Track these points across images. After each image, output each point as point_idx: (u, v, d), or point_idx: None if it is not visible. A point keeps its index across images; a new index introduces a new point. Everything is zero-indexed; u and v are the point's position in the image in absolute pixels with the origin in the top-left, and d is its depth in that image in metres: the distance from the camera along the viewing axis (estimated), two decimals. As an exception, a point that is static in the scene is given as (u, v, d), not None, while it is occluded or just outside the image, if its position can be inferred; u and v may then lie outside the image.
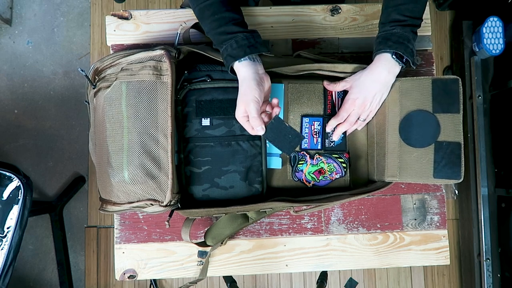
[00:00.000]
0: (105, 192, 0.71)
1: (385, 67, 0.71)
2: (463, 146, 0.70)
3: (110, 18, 0.86)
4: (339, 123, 0.78)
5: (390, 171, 0.73)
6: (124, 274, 0.82)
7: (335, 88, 0.78)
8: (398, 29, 0.70)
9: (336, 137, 0.80)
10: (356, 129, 0.80)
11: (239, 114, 0.68)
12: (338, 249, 0.84)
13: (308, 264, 0.84)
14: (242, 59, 0.67)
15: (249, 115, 0.67)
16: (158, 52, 0.68)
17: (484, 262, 1.42)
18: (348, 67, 0.76)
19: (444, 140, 0.70)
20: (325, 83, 0.80)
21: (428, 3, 0.89)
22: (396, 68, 0.71)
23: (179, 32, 0.76)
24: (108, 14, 0.90)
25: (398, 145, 0.72)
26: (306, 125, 0.81)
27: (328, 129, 0.79)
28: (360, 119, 0.77)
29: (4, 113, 1.62)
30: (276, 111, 0.69)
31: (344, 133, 0.81)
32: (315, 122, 0.81)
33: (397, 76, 0.73)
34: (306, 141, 0.81)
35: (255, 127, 0.67)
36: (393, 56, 0.70)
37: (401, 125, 0.73)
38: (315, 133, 0.81)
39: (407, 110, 0.73)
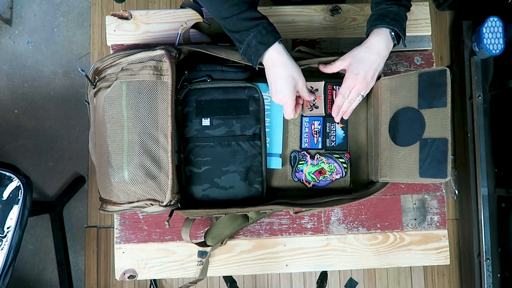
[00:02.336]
0: (105, 192, 0.71)
1: (382, 41, 0.71)
2: (450, 142, 0.66)
3: (110, 18, 0.86)
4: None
5: (382, 171, 0.73)
6: (124, 274, 0.82)
7: (332, 69, 0.76)
8: (394, 8, 0.71)
9: (337, 119, 0.78)
10: (358, 126, 0.79)
11: (287, 97, 0.70)
12: (338, 249, 0.84)
13: (308, 264, 0.84)
14: (273, 44, 0.67)
15: (302, 95, 0.72)
16: (159, 52, 0.68)
17: (484, 262, 1.42)
18: None
19: (429, 137, 0.68)
20: (321, 66, 0.77)
21: (428, 3, 0.90)
22: (391, 44, 0.72)
23: (179, 32, 0.76)
24: (108, 14, 0.90)
25: (388, 145, 0.72)
26: (306, 124, 0.81)
27: (334, 114, 0.78)
28: (360, 94, 0.75)
29: (4, 113, 1.62)
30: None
31: (346, 132, 0.81)
32: (315, 122, 0.81)
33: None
34: (306, 140, 0.81)
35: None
36: (392, 32, 0.71)
37: (390, 124, 0.72)
38: (315, 132, 0.81)
39: (395, 108, 0.72)
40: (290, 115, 0.73)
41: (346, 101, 0.76)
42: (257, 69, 0.70)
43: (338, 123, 0.81)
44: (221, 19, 0.69)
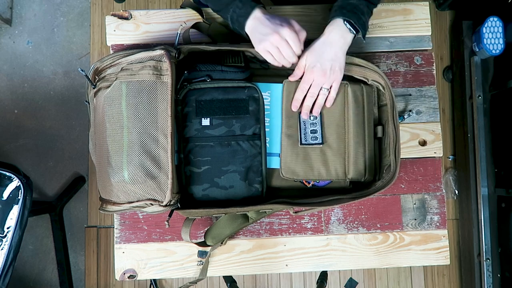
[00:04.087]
0: (105, 192, 0.71)
1: (336, 31, 0.72)
2: None
3: (110, 18, 0.86)
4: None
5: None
6: (124, 274, 0.82)
7: (298, 71, 0.76)
8: (354, 0, 0.72)
9: (305, 115, 0.77)
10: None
11: (271, 43, 0.70)
12: (338, 249, 0.84)
13: (308, 264, 0.84)
14: (251, 13, 0.69)
15: (283, 34, 0.69)
16: (158, 52, 0.68)
17: (484, 262, 1.42)
18: (352, 58, 0.77)
19: None
20: (290, 77, 0.77)
21: (428, 3, 0.90)
22: (347, 34, 0.72)
23: (179, 32, 0.76)
24: (108, 14, 0.90)
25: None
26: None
27: (294, 108, 0.78)
28: (323, 88, 0.75)
29: (4, 113, 1.62)
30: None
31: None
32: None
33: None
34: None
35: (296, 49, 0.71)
36: (345, 22, 0.71)
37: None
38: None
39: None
40: (283, 62, 0.72)
41: (308, 96, 0.76)
42: (248, 39, 0.73)
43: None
44: (207, 1, 0.75)
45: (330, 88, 0.76)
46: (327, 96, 0.77)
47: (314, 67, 0.73)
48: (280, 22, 0.70)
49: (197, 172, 0.74)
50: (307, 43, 0.87)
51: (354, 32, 0.72)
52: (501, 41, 1.41)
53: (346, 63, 0.77)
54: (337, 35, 0.72)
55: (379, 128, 0.81)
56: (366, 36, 0.88)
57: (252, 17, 0.71)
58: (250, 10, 0.70)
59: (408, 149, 0.86)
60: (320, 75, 0.73)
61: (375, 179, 0.81)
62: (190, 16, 0.87)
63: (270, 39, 0.69)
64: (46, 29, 1.66)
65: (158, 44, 0.85)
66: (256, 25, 0.71)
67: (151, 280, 1.56)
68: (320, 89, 0.75)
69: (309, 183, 0.81)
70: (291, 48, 0.71)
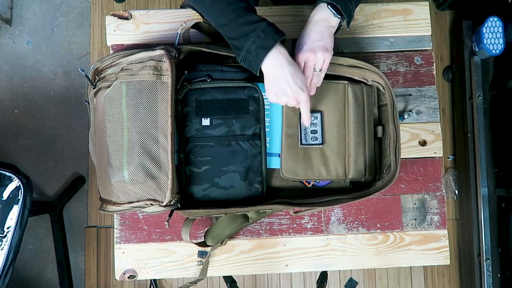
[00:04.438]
0: (105, 192, 0.71)
1: (319, 14, 0.71)
2: None
3: (110, 18, 0.86)
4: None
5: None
6: (124, 274, 0.82)
7: (298, 60, 0.73)
8: None
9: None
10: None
11: (285, 102, 0.70)
12: (338, 249, 0.84)
13: (308, 264, 0.84)
14: (274, 47, 0.65)
15: (301, 102, 0.69)
16: (158, 52, 0.68)
17: (484, 262, 1.42)
18: (350, 60, 0.77)
19: None
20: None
21: (428, 3, 0.90)
22: (331, 18, 0.71)
23: (179, 32, 0.76)
24: (108, 14, 0.90)
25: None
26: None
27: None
28: (315, 69, 0.73)
29: (4, 113, 1.62)
30: None
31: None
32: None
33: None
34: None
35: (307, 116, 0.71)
36: (329, 6, 0.70)
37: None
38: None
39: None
40: (308, 115, 0.71)
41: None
42: (258, 75, 0.69)
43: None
44: (219, 27, 0.68)
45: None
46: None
47: (302, 49, 0.71)
48: (302, 85, 0.68)
49: (197, 172, 0.74)
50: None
51: (339, 16, 0.71)
52: (501, 41, 1.41)
53: (344, 65, 0.76)
54: (320, 17, 0.71)
55: (379, 128, 0.81)
56: (366, 36, 0.88)
57: (275, 61, 0.66)
58: (272, 42, 0.65)
59: (408, 149, 0.86)
60: (310, 55, 0.71)
61: (375, 179, 0.81)
62: (190, 16, 0.87)
63: (287, 100, 0.69)
64: (46, 29, 1.66)
65: (158, 44, 0.85)
66: (278, 78, 0.67)
67: (151, 280, 1.56)
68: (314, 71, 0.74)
69: (309, 183, 0.81)
70: (301, 109, 0.72)
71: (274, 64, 0.66)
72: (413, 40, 0.89)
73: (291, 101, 0.69)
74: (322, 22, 0.71)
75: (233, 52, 0.68)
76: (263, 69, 0.67)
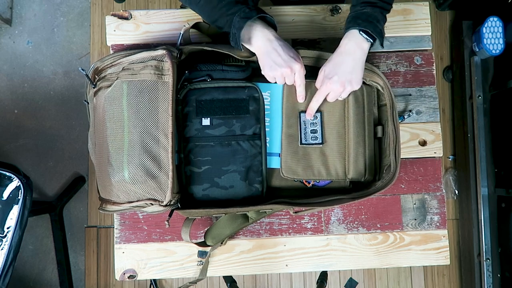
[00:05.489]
0: (105, 191, 0.71)
1: (352, 42, 0.71)
2: None
3: (110, 18, 0.86)
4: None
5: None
6: (124, 274, 0.82)
7: (317, 82, 0.76)
8: (368, 9, 0.71)
9: (310, 115, 0.77)
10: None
11: (281, 74, 0.71)
12: (338, 249, 0.84)
13: (308, 264, 0.84)
14: (255, 17, 0.68)
15: (296, 72, 0.71)
16: (160, 52, 0.68)
17: (484, 262, 1.42)
18: None
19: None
20: (298, 98, 0.78)
21: (428, 3, 0.90)
22: (364, 43, 0.71)
23: (181, 33, 0.76)
24: (108, 14, 0.90)
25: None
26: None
27: (309, 116, 0.77)
28: (340, 98, 0.75)
29: (4, 113, 1.62)
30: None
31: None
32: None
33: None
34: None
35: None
36: (361, 32, 0.70)
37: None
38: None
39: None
40: (303, 91, 0.74)
41: (315, 101, 0.76)
42: (241, 49, 0.71)
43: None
44: (213, 22, 0.72)
45: None
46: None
47: (332, 79, 0.72)
48: (293, 55, 0.71)
49: (197, 172, 0.74)
50: (306, 43, 0.88)
51: (371, 40, 0.71)
52: (501, 41, 1.41)
53: None
54: (353, 46, 0.71)
55: (379, 128, 0.81)
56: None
57: (263, 36, 0.70)
58: (254, 14, 0.68)
59: (408, 149, 0.87)
60: (337, 86, 0.72)
61: (375, 179, 0.81)
62: (190, 16, 0.87)
63: (281, 70, 0.71)
64: (46, 29, 1.66)
65: (158, 44, 0.85)
66: (269, 51, 0.70)
67: (151, 280, 1.56)
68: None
69: (309, 183, 0.81)
70: (296, 80, 0.73)
71: (263, 39, 0.70)
72: (413, 40, 0.89)
73: (286, 71, 0.71)
74: (356, 52, 0.71)
75: (230, 41, 0.72)
76: (254, 47, 0.71)
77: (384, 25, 0.73)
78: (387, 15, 0.74)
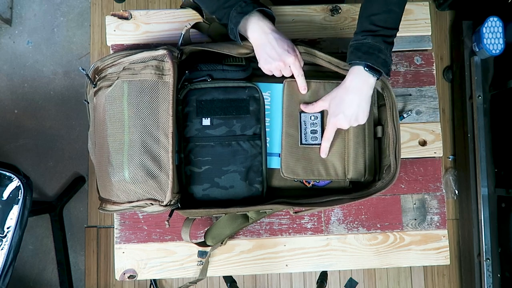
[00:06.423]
0: (105, 191, 0.71)
1: (358, 78, 0.70)
2: None
3: (110, 18, 0.86)
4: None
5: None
6: (124, 274, 0.82)
7: (314, 109, 0.76)
8: (369, 39, 0.69)
9: (323, 154, 0.77)
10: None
11: (275, 67, 0.72)
12: (338, 249, 0.84)
13: (308, 264, 0.84)
14: (252, 12, 0.69)
15: (292, 65, 0.72)
16: (161, 52, 0.68)
17: (484, 262, 1.42)
18: (342, 63, 0.76)
19: None
20: (302, 106, 0.78)
21: (428, 3, 0.90)
22: (370, 78, 0.69)
23: (183, 33, 0.76)
24: (108, 14, 0.90)
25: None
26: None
27: (323, 155, 0.77)
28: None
29: (4, 113, 1.62)
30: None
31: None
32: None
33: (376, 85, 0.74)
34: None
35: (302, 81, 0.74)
36: (366, 68, 0.69)
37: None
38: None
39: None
40: (303, 81, 0.74)
41: (326, 140, 0.76)
42: (240, 43, 0.72)
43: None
44: (212, 13, 0.73)
45: None
46: None
47: (338, 116, 0.72)
48: (288, 48, 0.71)
49: (198, 172, 0.74)
50: (306, 43, 0.87)
51: (377, 75, 0.69)
52: (501, 41, 1.41)
53: (340, 67, 0.76)
54: (359, 82, 0.70)
55: (379, 128, 0.81)
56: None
57: (259, 29, 0.70)
58: (251, 9, 0.69)
59: (408, 149, 0.87)
60: (343, 123, 0.73)
61: (375, 179, 0.81)
62: (190, 16, 0.87)
63: (275, 64, 0.72)
64: (46, 29, 1.66)
65: (159, 44, 0.85)
66: (264, 44, 0.71)
67: (151, 280, 1.56)
68: None
69: (309, 183, 0.81)
70: (294, 71, 0.74)
71: (258, 31, 0.70)
72: (413, 40, 0.89)
73: (280, 64, 0.72)
74: (363, 89, 0.70)
75: (229, 34, 0.73)
76: (250, 38, 0.72)
77: (389, 52, 0.70)
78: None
